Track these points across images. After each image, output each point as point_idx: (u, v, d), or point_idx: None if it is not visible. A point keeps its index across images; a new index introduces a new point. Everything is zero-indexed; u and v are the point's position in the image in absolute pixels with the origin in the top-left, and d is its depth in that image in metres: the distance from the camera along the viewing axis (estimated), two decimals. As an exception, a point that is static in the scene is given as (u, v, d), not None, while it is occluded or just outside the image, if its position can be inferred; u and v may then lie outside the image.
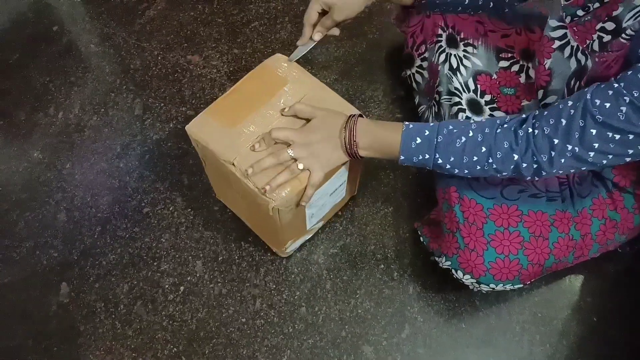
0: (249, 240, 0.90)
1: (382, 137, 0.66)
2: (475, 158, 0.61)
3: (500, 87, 0.83)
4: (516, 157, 0.59)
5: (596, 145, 0.55)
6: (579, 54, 0.64)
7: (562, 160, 0.57)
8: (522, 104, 0.82)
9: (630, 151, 0.55)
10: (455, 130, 0.62)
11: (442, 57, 0.85)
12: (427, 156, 0.64)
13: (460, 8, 0.78)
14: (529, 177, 0.61)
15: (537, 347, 0.82)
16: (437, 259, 0.77)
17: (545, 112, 0.59)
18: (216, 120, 0.71)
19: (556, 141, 0.57)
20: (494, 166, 0.61)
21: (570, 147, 0.56)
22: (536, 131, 0.58)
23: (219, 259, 0.89)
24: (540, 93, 0.73)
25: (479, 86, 0.83)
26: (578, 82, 0.65)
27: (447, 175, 0.74)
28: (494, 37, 0.85)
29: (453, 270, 0.73)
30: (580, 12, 0.62)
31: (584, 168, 0.59)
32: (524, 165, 0.59)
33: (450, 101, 0.81)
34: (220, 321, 0.84)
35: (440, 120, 0.69)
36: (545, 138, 0.57)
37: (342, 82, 1.08)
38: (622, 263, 0.88)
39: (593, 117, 0.54)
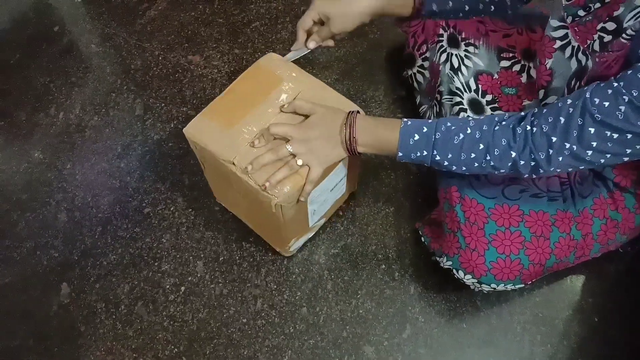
0: (250, 240, 0.90)
1: (380, 133, 0.66)
2: (472, 155, 0.61)
3: (501, 86, 0.83)
4: (514, 154, 0.59)
5: (594, 144, 0.55)
6: (580, 54, 0.64)
7: (560, 159, 0.57)
8: (524, 103, 0.82)
9: (629, 150, 0.55)
10: (453, 127, 0.62)
11: (444, 56, 0.85)
12: (425, 153, 0.64)
13: (461, 15, 0.78)
14: (527, 175, 0.61)
15: (538, 347, 0.82)
16: (438, 259, 0.77)
17: (545, 110, 0.59)
18: (214, 121, 0.71)
19: (554, 139, 0.57)
20: (492, 163, 0.61)
21: (568, 146, 0.56)
22: (534, 129, 0.58)
23: (220, 259, 0.89)
24: (542, 93, 0.73)
25: (480, 86, 0.83)
26: (578, 82, 0.65)
27: (448, 175, 0.74)
28: (495, 36, 0.85)
29: (454, 270, 0.73)
30: (581, 12, 0.62)
31: (582, 167, 0.59)
32: (522, 162, 0.59)
33: (451, 101, 0.81)
34: (221, 321, 0.84)
35: (442, 121, 0.69)
36: (544, 136, 0.57)
37: (343, 82, 1.08)
38: (623, 263, 0.88)
39: (592, 115, 0.54)
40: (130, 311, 0.85)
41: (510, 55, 0.85)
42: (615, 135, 0.54)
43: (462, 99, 0.81)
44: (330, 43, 0.78)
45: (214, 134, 0.70)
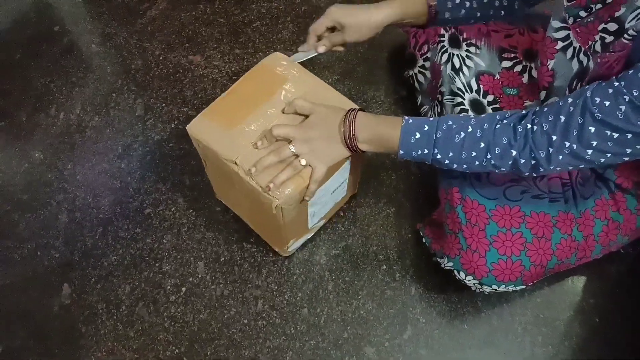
0: (251, 241, 0.90)
1: (381, 131, 0.66)
2: (473, 154, 0.61)
3: (502, 87, 0.83)
4: (514, 152, 0.59)
5: (594, 143, 0.55)
6: (581, 55, 0.64)
7: (560, 157, 0.57)
8: (525, 104, 0.82)
9: (629, 150, 0.55)
10: (454, 126, 0.62)
11: (445, 57, 0.84)
12: (426, 151, 0.63)
13: (472, 21, 0.78)
14: (527, 174, 0.61)
15: (539, 349, 0.82)
16: (439, 260, 0.77)
17: (545, 109, 0.58)
18: (217, 120, 0.71)
19: (554, 138, 0.56)
20: (492, 162, 0.61)
21: (568, 144, 0.56)
22: (535, 127, 0.58)
23: (221, 260, 0.89)
24: (543, 94, 0.72)
25: (481, 86, 0.83)
26: (580, 83, 0.65)
27: (450, 176, 0.74)
28: (496, 37, 0.85)
29: (455, 272, 0.72)
30: (582, 13, 0.62)
31: (581, 166, 0.59)
32: (522, 161, 0.59)
33: (452, 101, 0.81)
34: (222, 322, 0.83)
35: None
36: (544, 134, 0.57)
37: (344, 82, 1.08)
38: (625, 264, 0.88)
39: (592, 114, 0.54)
40: (131, 312, 0.85)
41: (512, 55, 0.84)
42: (616, 135, 0.54)
43: (464, 99, 0.81)
44: (340, 48, 0.77)
45: (216, 132, 0.70)
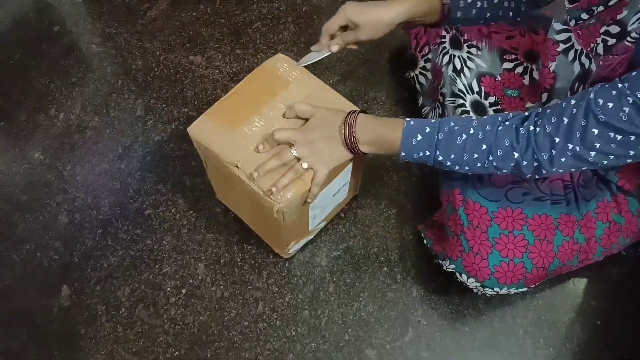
0: (252, 242, 0.90)
1: (382, 133, 0.66)
2: (475, 155, 0.61)
3: (504, 88, 0.83)
4: (516, 155, 0.59)
5: (597, 145, 0.55)
6: (583, 58, 0.64)
7: (563, 159, 0.57)
8: (526, 106, 0.82)
9: (632, 152, 0.55)
10: (456, 128, 0.62)
11: (446, 58, 0.84)
12: (427, 153, 0.63)
13: (482, 21, 0.77)
14: (529, 175, 0.61)
15: (540, 351, 0.81)
16: (441, 261, 0.77)
17: (548, 110, 0.58)
18: (218, 122, 0.71)
19: (557, 140, 0.56)
20: (494, 164, 0.60)
21: (571, 146, 0.56)
22: (538, 129, 0.58)
23: (221, 261, 0.89)
24: (544, 96, 0.72)
25: (482, 88, 0.83)
26: (582, 86, 0.65)
27: (451, 177, 0.74)
28: (497, 38, 0.85)
29: (457, 274, 0.72)
30: (584, 16, 0.62)
31: (584, 167, 0.59)
32: (524, 163, 0.59)
33: (454, 103, 0.81)
34: (223, 324, 0.83)
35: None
36: (547, 136, 0.57)
37: (345, 84, 1.08)
38: (626, 266, 0.88)
39: (595, 116, 0.54)
40: (130, 314, 0.84)
41: (513, 57, 0.84)
42: (619, 137, 0.54)
43: (465, 100, 0.81)
44: (354, 47, 0.77)
45: (218, 134, 0.70)
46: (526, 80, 0.83)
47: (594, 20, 0.60)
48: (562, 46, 0.66)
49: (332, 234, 0.91)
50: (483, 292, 0.73)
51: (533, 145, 0.58)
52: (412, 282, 0.87)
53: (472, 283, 0.71)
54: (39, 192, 0.96)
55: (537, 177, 0.62)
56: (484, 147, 0.60)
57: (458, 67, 0.83)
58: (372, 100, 1.06)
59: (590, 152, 0.56)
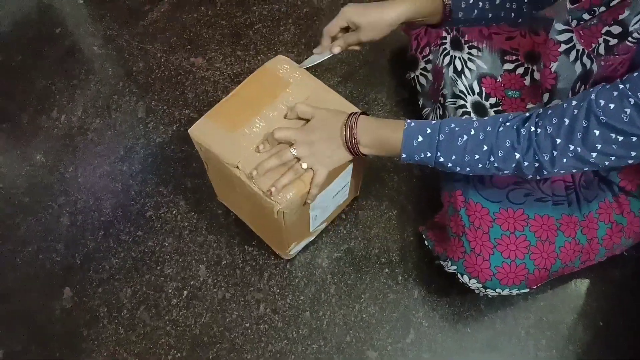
0: (253, 244, 0.90)
1: (383, 134, 0.66)
2: (476, 157, 0.61)
3: (505, 89, 0.83)
4: (518, 155, 0.59)
5: (599, 146, 0.55)
6: (584, 58, 0.64)
7: (564, 160, 0.57)
8: (527, 106, 0.81)
9: (633, 153, 0.55)
10: (457, 129, 0.62)
11: (447, 59, 0.84)
12: (428, 154, 0.63)
13: (483, 22, 0.77)
14: (530, 176, 0.61)
15: (542, 352, 0.81)
16: (442, 263, 0.76)
17: (549, 111, 0.58)
18: (219, 123, 0.71)
19: (559, 141, 0.56)
20: (496, 165, 0.60)
21: (572, 147, 0.56)
22: (539, 130, 0.58)
23: (223, 263, 0.89)
24: (546, 96, 0.72)
25: (483, 89, 0.82)
26: (583, 86, 0.65)
27: (453, 179, 0.74)
28: (498, 39, 0.85)
29: (459, 275, 0.72)
30: (586, 16, 0.62)
31: (585, 168, 0.59)
32: (526, 164, 0.59)
33: (455, 104, 0.81)
34: (224, 326, 0.83)
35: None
36: (548, 137, 0.57)
37: (345, 85, 1.08)
38: (628, 267, 0.88)
39: (597, 117, 0.54)
40: (132, 315, 0.84)
41: (514, 58, 0.84)
42: (620, 138, 0.53)
43: (466, 101, 0.81)
44: (356, 48, 0.77)
45: (218, 136, 0.70)
46: (527, 81, 0.83)
47: (595, 21, 0.60)
48: (563, 46, 0.66)
49: (333, 235, 0.91)
50: (485, 293, 0.73)
51: (534, 146, 0.58)
52: (414, 283, 0.87)
53: (473, 284, 0.71)
54: (40, 194, 0.96)
55: (538, 177, 0.62)
56: (485, 148, 0.60)
57: (459, 68, 0.83)
58: (373, 101, 1.06)
59: (592, 153, 0.56)
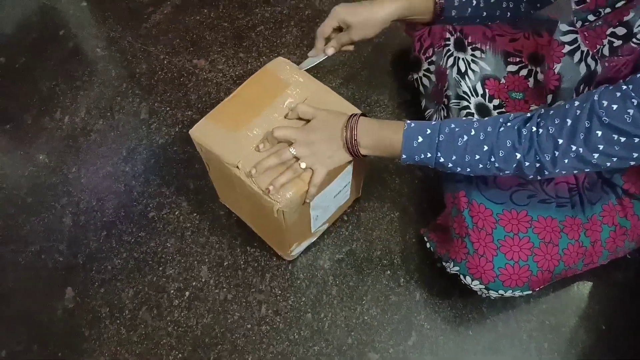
0: (255, 245, 0.90)
1: (383, 135, 0.66)
2: (477, 157, 0.61)
3: (508, 91, 0.83)
4: (519, 156, 0.59)
5: (601, 147, 0.55)
6: (589, 59, 0.64)
7: (566, 161, 0.57)
8: (531, 108, 0.81)
9: (635, 154, 0.54)
10: (457, 129, 0.62)
11: (450, 60, 0.84)
12: (428, 155, 0.63)
13: (477, 21, 0.77)
14: (531, 176, 0.60)
15: (545, 355, 0.81)
16: (445, 264, 0.76)
17: (551, 112, 0.58)
18: (220, 124, 0.71)
19: (560, 141, 0.56)
20: (496, 165, 0.60)
21: (574, 148, 0.56)
22: (540, 130, 0.57)
23: (225, 264, 0.89)
24: (550, 98, 0.72)
25: (487, 90, 0.82)
26: (587, 87, 0.65)
27: (456, 180, 0.74)
28: (501, 41, 0.85)
29: (461, 276, 0.72)
30: (591, 17, 0.62)
31: (587, 169, 0.58)
32: (527, 164, 0.59)
33: (459, 105, 0.81)
34: (226, 327, 0.83)
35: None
36: (550, 138, 0.57)
37: (347, 86, 1.08)
38: (631, 270, 0.87)
39: (599, 118, 0.53)
40: (134, 316, 0.84)
41: (517, 59, 0.84)
42: (623, 139, 0.53)
43: (469, 103, 0.81)
44: (350, 48, 0.77)
45: (219, 137, 0.70)
46: (530, 82, 0.83)
47: (600, 22, 0.60)
48: (568, 47, 0.66)
49: (334, 236, 0.91)
50: (487, 295, 0.72)
51: (535, 147, 0.58)
52: (416, 285, 0.86)
53: (476, 285, 0.71)
54: (43, 195, 0.97)
55: (539, 178, 0.62)
56: (486, 148, 0.60)
57: (462, 69, 0.83)
58: (375, 103, 1.06)
59: (594, 154, 0.55)
